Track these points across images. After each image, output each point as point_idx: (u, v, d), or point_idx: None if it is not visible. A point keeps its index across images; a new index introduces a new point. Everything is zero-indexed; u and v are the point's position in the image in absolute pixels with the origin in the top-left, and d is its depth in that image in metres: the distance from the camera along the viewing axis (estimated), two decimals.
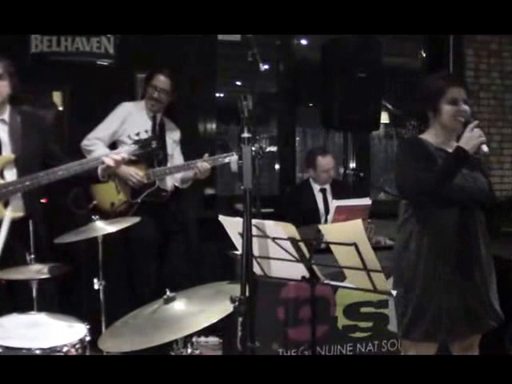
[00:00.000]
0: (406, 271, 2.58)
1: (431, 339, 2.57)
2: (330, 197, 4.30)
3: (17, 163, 2.94)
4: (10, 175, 2.93)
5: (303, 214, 4.11)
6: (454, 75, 2.67)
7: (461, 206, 2.56)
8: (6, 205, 2.90)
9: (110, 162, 2.99)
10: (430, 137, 2.65)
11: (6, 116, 2.98)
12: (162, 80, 3.76)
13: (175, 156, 3.91)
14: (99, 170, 3.04)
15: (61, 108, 4.36)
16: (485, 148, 2.43)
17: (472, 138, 2.44)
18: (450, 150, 2.54)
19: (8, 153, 2.95)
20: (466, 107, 2.57)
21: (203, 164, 3.62)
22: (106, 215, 3.32)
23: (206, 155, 3.66)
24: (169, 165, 3.79)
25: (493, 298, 2.62)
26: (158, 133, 3.78)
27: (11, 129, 2.98)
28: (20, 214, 2.92)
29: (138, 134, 3.60)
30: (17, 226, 2.81)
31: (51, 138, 3.24)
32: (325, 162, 4.27)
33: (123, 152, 3.10)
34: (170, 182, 3.85)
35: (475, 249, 2.59)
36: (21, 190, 2.90)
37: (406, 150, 2.71)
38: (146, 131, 3.29)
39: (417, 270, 2.55)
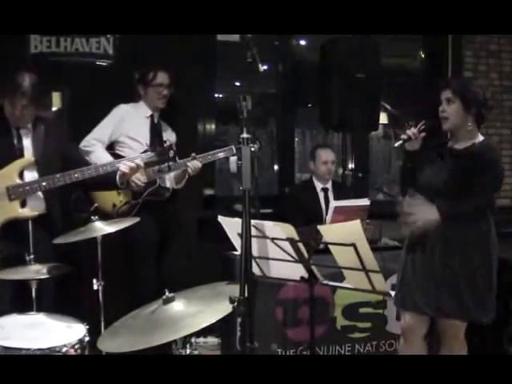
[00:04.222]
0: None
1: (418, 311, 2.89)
2: (331, 197, 4.30)
3: (38, 166, 3.07)
4: (30, 176, 3.05)
5: (306, 213, 4.11)
6: None
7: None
8: (23, 204, 3.02)
9: (125, 169, 3.13)
10: None
11: (30, 125, 3.11)
12: (163, 76, 3.84)
13: None
14: (117, 177, 3.16)
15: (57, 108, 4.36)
16: None
17: None
18: None
19: (29, 156, 3.07)
20: None
21: (194, 162, 3.56)
22: (108, 217, 3.31)
23: (193, 155, 3.61)
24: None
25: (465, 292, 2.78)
26: (155, 133, 3.80)
27: (34, 136, 3.10)
28: (42, 211, 3.06)
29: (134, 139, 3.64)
30: (40, 223, 2.96)
31: (71, 144, 3.41)
32: (324, 153, 4.32)
33: (138, 159, 3.16)
34: (169, 180, 3.85)
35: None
36: (37, 190, 3.02)
37: None
38: (166, 141, 3.35)
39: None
